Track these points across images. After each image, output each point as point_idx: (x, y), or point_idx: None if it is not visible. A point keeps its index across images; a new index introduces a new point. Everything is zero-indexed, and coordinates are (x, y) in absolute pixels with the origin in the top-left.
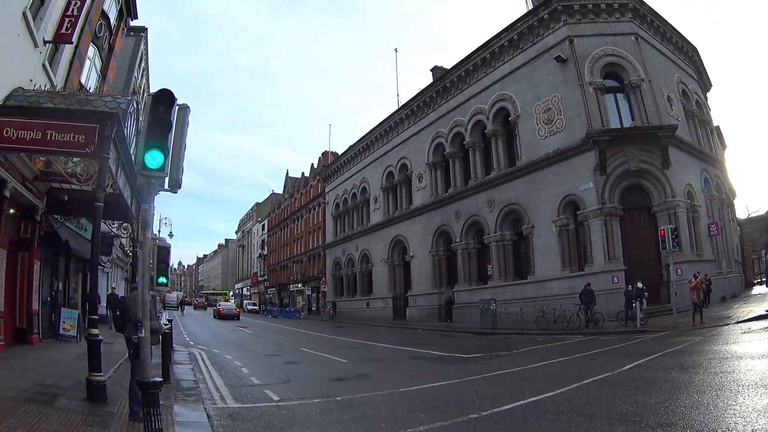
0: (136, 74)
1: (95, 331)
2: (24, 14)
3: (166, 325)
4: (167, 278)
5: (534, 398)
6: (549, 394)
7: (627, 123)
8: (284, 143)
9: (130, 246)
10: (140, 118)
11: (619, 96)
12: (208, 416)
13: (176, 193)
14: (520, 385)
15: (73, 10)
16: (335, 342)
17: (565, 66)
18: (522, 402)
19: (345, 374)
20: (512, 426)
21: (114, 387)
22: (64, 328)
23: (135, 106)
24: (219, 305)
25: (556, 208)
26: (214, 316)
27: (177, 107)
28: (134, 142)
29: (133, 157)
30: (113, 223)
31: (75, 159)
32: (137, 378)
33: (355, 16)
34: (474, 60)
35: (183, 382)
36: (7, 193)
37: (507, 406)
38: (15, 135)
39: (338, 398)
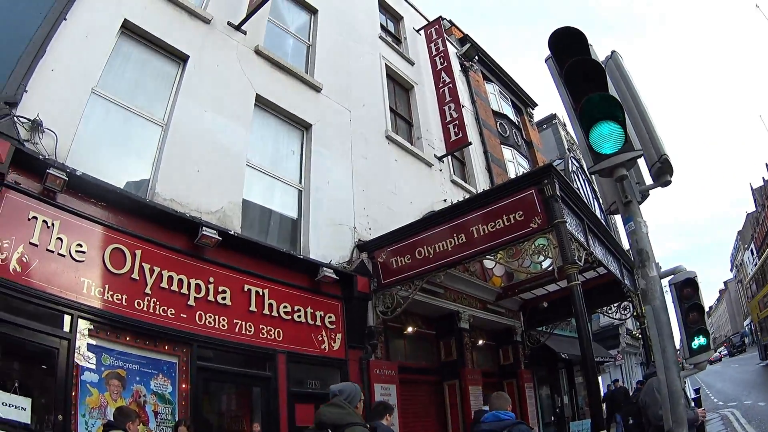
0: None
1: None
2: (388, 137)
3: (701, 410)
4: (707, 336)
5: None
6: None
7: None
8: None
9: (638, 327)
10: (593, 186)
11: None
12: None
13: (668, 185)
14: None
15: (450, 114)
16: None
17: None
18: None
19: None
20: None
21: None
22: None
23: (578, 165)
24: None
25: None
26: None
27: (607, 58)
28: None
29: (601, 216)
30: (609, 309)
31: (538, 256)
32: None
33: None
34: None
35: None
36: (464, 325)
37: None
38: (431, 252)
39: None
